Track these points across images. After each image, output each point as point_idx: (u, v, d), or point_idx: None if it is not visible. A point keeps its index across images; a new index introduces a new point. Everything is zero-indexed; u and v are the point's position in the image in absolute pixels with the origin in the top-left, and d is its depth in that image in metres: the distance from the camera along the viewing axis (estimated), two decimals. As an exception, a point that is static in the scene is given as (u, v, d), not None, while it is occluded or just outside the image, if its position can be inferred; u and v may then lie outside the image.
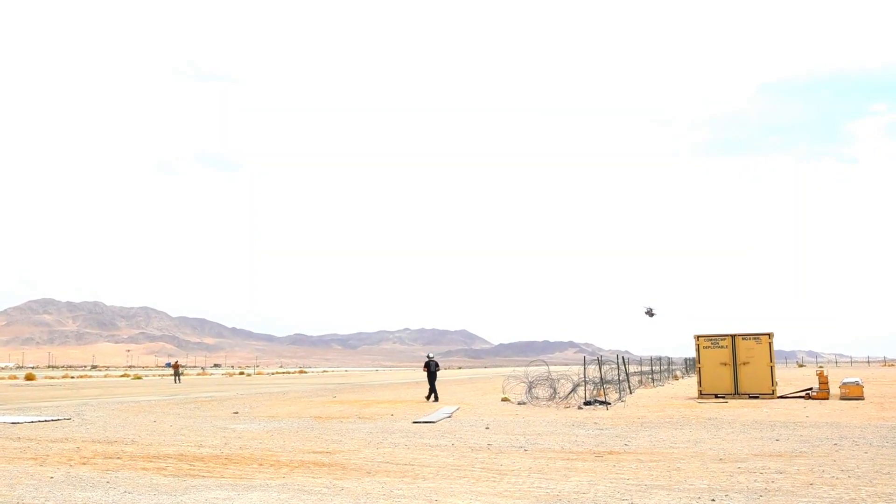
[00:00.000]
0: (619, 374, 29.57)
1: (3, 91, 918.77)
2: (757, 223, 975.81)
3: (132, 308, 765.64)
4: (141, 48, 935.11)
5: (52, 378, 74.42)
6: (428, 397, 27.55)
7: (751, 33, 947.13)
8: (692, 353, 31.15)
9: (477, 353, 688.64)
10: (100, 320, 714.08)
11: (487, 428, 16.80)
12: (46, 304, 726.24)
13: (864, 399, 24.72)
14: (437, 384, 28.06)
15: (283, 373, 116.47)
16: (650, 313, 43.39)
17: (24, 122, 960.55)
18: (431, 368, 28.06)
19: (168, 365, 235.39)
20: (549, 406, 23.54)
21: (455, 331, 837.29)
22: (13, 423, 18.77)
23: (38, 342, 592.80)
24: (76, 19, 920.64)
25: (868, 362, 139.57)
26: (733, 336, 26.99)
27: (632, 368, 39.63)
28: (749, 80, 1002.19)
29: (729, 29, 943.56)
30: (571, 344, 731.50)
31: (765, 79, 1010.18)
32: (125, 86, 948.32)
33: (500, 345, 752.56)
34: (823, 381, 26.17)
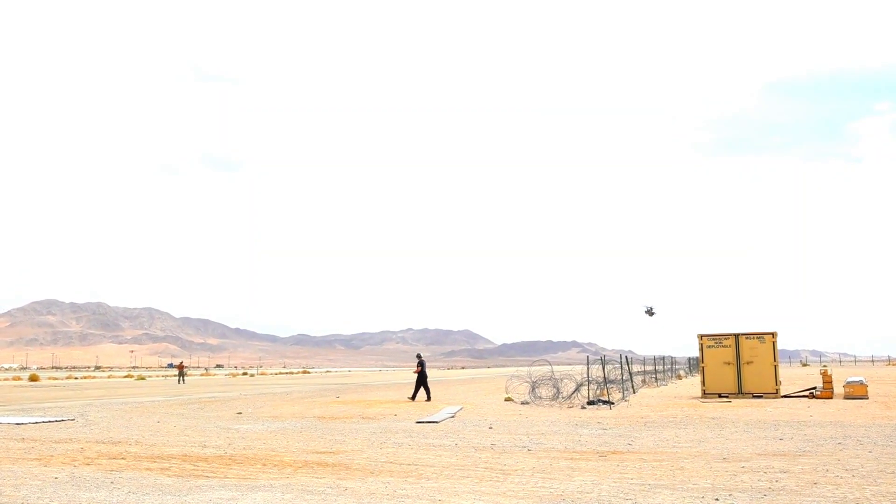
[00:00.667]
0: (622, 374, 29.54)
1: (7, 93, 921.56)
2: (761, 223, 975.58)
3: (135, 309, 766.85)
4: (143, 50, 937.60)
5: (56, 379, 74.55)
6: (428, 398, 27.66)
7: (754, 33, 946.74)
8: (696, 353, 31.12)
9: (480, 353, 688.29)
10: (103, 321, 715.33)
11: (491, 428, 16.80)
12: (50, 305, 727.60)
13: (868, 398, 24.69)
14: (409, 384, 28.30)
15: (287, 373, 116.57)
16: (650, 312, 43.35)
17: (27, 123, 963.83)
18: (424, 368, 28.34)
19: (170, 365, 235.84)
20: (552, 406, 23.53)
21: (458, 331, 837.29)
22: (17, 423, 18.80)
23: (41, 343, 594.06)
24: (80, 21, 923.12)
25: (872, 361, 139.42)
26: (737, 335, 26.96)
27: (635, 368, 39.57)
28: (752, 80, 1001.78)
29: (732, 29, 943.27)
30: (575, 344, 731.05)
31: (768, 78, 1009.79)
32: (126, 87, 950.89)
33: (504, 345, 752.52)
34: (827, 381, 26.14)
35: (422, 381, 28.04)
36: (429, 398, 27.64)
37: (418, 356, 29.39)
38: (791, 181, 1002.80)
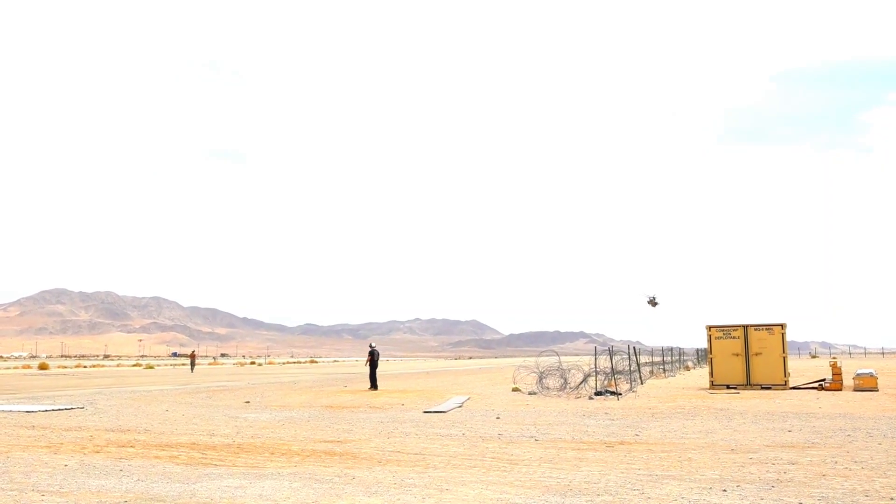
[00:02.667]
0: (630, 365, 29.52)
1: (14, 88, 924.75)
2: (770, 213, 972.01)
3: (144, 298, 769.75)
4: (151, 48, 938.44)
5: (65, 367, 75.03)
6: (375, 387, 28.34)
7: (765, 23, 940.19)
8: (704, 344, 31.04)
9: (488, 343, 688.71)
10: (112, 310, 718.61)
11: (498, 418, 16.81)
12: (59, 295, 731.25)
13: (878, 390, 24.56)
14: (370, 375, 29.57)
15: (294, 362, 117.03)
16: (653, 302, 42.77)
17: (39, 116, 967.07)
18: (375, 358, 29.10)
19: (175, 354, 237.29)
20: (559, 396, 23.53)
21: (466, 321, 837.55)
22: (27, 411, 18.93)
23: (51, 332, 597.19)
24: (98, 22, 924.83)
25: (882, 353, 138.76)
26: (745, 327, 26.88)
27: (643, 359, 39.56)
28: (763, 71, 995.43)
29: (743, 19, 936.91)
30: (582, 334, 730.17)
31: (779, 69, 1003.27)
32: (129, 81, 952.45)
33: (511, 335, 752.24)
34: (836, 372, 26.03)
35: (371, 370, 28.79)
36: (374, 387, 28.32)
37: (370, 346, 30.05)
38: (804, 171, 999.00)
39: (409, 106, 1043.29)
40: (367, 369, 28.94)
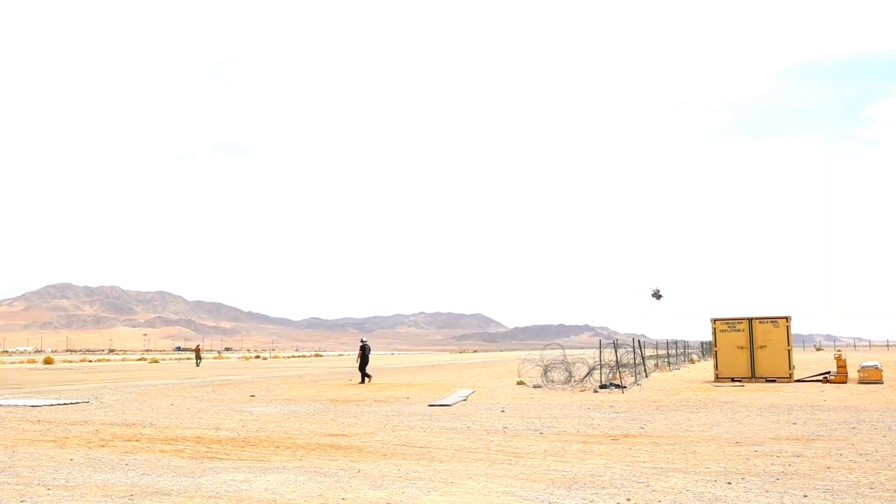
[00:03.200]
0: (634, 358, 29.46)
1: (26, 85, 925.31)
2: (776, 207, 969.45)
3: (149, 292, 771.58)
4: (154, 46, 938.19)
5: (70, 362, 75.19)
6: (363, 381, 28.67)
7: (769, 17, 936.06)
8: (709, 337, 30.99)
9: (492, 336, 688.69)
10: (117, 305, 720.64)
11: (503, 411, 16.82)
12: (64, 289, 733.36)
13: (882, 383, 24.54)
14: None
15: (299, 356, 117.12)
16: (657, 295, 42.43)
17: (43, 112, 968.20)
18: (366, 353, 29.43)
19: (178, 348, 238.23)
20: (564, 389, 23.53)
21: (470, 314, 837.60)
22: (33, 405, 18.98)
23: (56, 326, 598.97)
24: (98, 21, 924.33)
25: (887, 346, 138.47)
26: (750, 319, 26.82)
27: (648, 352, 39.41)
28: (769, 64, 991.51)
29: (747, 13, 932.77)
30: (587, 327, 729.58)
31: (784, 62, 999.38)
32: (134, 77, 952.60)
33: (516, 328, 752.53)
34: (841, 365, 25.99)
35: (362, 364, 29.15)
36: (363, 381, 28.67)
37: (361, 341, 30.27)
38: (810, 165, 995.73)
39: (412, 102, 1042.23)
40: (362, 363, 29.14)
